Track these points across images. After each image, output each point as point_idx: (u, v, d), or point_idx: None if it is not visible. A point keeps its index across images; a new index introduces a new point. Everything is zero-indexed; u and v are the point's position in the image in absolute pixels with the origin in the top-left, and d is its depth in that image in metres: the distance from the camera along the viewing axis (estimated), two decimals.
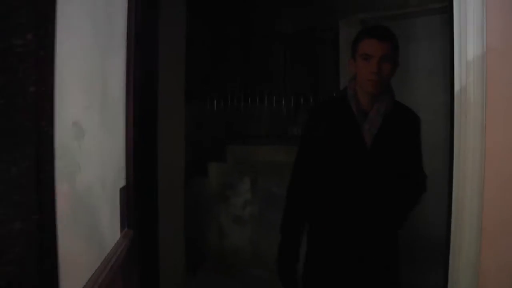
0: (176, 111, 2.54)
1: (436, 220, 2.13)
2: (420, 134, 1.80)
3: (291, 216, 1.78)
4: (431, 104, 2.79)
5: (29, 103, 0.62)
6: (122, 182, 1.35)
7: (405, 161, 1.73)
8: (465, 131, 1.42)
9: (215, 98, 3.91)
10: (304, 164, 1.81)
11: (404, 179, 1.74)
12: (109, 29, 1.32)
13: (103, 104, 1.23)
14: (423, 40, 3.02)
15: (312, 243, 1.78)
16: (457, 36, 1.49)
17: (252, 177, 3.43)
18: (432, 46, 2.97)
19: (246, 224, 3.48)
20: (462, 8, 1.44)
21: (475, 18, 1.40)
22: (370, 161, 1.68)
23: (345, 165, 1.73)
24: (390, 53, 1.61)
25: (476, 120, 1.40)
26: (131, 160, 1.40)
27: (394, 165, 1.71)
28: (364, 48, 1.63)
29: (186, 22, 2.58)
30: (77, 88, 0.98)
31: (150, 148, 1.74)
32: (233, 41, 4.04)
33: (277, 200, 3.28)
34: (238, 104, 3.95)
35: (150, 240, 1.71)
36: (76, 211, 0.97)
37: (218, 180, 3.55)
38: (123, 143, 1.39)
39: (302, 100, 3.82)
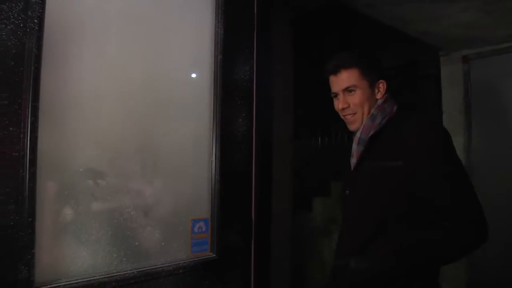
0: (285, 149, 2.72)
1: None
2: (449, 155, 1.33)
3: None
4: None
5: None
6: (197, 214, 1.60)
7: (412, 191, 1.31)
8: None
9: (320, 136, 4.03)
10: None
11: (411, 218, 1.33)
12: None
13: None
14: None
15: None
16: None
17: None
18: None
19: None
20: None
21: None
22: (355, 192, 1.48)
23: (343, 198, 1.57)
24: (355, 82, 1.46)
25: None
26: (217, 197, 1.62)
27: (384, 197, 1.37)
28: (331, 87, 1.54)
29: (293, 64, 2.78)
30: None
31: (266, 184, 1.92)
32: None
33: None
34: (342, 140, 4.01)
35: (262, 270, 1.86)
36: None
37: (322, 214, 3.60)
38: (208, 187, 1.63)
39: None
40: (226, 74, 1.65)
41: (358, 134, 1.48)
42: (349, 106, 1.48)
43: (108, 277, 1.30)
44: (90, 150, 1.29)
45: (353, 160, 1.48)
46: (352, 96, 1.47)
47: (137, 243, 1.40)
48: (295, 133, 2.87)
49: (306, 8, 2.81)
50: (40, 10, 1.16)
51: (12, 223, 1.10)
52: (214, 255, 1.59)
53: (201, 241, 1.57)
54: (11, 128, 1.10)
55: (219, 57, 1.63)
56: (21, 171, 1.11)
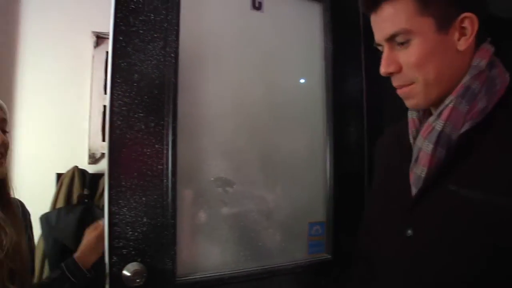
0: None
1: None
2: None
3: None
4: None
5: None
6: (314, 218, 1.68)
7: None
8: None
9: None
10: (367, 210, 1.13)
11: None
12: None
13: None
14: None
15: None
16: None
17: None
18: None
19: None
20: None
21: None
22: (425, 234, 0.83)
23: (385, 230, 0.96)
24: (405, 24, 0.80)
25: None
26: (332, 201, 1.69)
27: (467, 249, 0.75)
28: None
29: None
30: None
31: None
32: None
33: None
34: None
35: None
36: None
37: None
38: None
39: None
40: (336, 86, 1.72)
41: (433, 121, 0.83)
42: (400, 70, 0.84)
43: (235, 272, 1.46)
44: (219, 162, 1.47)
45: (419, 170, 0.84)
46: (405, 51, 0.82)
47: (260, 244, 1.54)
48: None
49: None
50: (175, 46, 1.36)
51: (159, 224, 1.31)
52: (329, 257, 1.67)
53: (317, 242, 1.66)
54: (156, 146, 1.31)
55: (329, 71, 1.72)
56: (165, 181, 1.32)
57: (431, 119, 0.83)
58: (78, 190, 1.96)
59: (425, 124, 0.85)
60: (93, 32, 2.22)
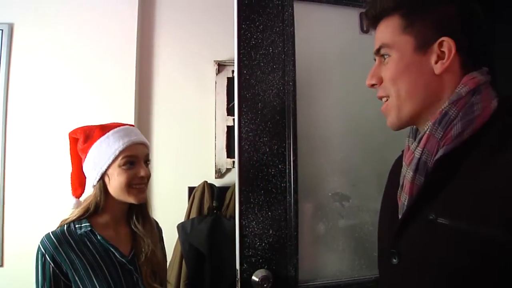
0: None
1: None
2: None
3: None
4: None
5: None
6: None
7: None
8: None
9: None
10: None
11: None
12: None
13: None
14: None
15: None
16: None
17: None
18: None
19: None
20: None
21: None
22: (408, 262, 0.80)
23: (380, 253, 0.99)
24: (388, 39, 0.81)
25: None
26: None
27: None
28: None
29: None
30: None
31: None
32: None
33: None
34: None
35: None
36: None
37: None
38: None
39: None
40: None
41: (414, 149, 0.81)
42: (381, 83, 0.85)
43: (351, 280, 1.48)
44: (336, 178, 1.50)
45: (403, 198, 0.82)
46: (385, 65, 0.83)
47: (374, 254, 1.54)
48: None
49: None
50: (293, 75, 1.43)
51: (283, 235, 1.38)
52: None
53: None
54: (280, 166, 1.39)
55: None
56: (288, 197, 1.39)
57: (413, 146, 0.82)
58: (208, 202, 2.11)
59: (409, 151, 0.83)
60: (215, 61, 2.39)
